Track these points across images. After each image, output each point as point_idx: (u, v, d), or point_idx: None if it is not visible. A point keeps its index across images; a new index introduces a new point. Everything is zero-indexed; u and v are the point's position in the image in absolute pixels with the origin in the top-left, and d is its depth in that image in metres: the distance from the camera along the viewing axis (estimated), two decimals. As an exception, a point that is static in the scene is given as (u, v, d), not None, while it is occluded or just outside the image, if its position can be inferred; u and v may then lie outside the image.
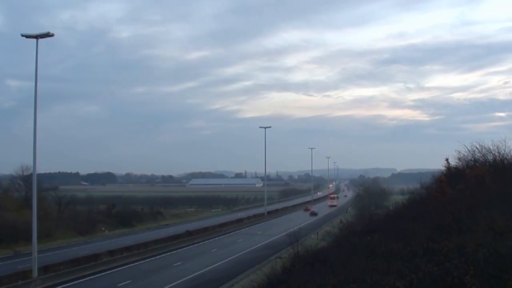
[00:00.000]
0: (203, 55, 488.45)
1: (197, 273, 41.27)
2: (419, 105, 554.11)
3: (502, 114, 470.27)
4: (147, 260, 48.86)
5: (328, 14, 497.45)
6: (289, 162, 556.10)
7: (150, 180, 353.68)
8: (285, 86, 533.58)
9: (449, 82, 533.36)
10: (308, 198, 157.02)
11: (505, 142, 32.85)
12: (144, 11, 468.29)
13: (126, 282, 37.76)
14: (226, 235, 71.31)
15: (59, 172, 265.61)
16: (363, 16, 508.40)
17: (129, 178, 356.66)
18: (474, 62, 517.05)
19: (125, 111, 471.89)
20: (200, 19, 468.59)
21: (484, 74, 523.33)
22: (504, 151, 32.94)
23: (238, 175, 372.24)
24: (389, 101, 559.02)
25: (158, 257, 51.05)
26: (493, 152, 33.94)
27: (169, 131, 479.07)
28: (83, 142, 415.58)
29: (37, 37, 37.56)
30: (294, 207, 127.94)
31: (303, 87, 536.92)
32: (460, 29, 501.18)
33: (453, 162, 38.10)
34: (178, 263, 46.55)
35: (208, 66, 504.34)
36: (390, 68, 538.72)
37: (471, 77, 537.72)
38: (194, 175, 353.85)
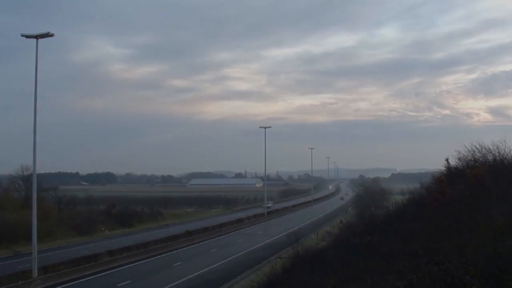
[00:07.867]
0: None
1: (197, 273, 41.28)
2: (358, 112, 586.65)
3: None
4: (147, 260, 48.87)
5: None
6: (289, 162, 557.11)
7: (150, 180, 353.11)
8: (231, 95, 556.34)
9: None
10: (308, 198, 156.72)
11: (505, 142, 32.82)
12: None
13: (126, 282, 37.77)
14: (226, 235, 71.31)
15: (59, 172, 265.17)
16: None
17: (129, 178, 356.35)
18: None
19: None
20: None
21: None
22: (504, 151, 32.90)
23: (238, 175, 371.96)
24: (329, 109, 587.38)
25: (158, 257, 51.05)
26: (493, 152, 33.85)
27: (147, 135, 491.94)
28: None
29: (37, 37, 37.63)
30: (294, 207, 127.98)
31: (246, 95, 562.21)
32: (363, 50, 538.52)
33: (453, 162, 38.03)
34: (178, 263, 46.55)
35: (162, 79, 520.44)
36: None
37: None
38: (194, 175, 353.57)
